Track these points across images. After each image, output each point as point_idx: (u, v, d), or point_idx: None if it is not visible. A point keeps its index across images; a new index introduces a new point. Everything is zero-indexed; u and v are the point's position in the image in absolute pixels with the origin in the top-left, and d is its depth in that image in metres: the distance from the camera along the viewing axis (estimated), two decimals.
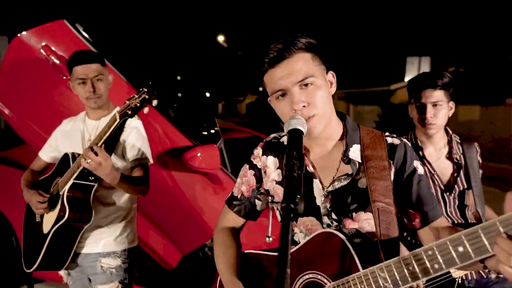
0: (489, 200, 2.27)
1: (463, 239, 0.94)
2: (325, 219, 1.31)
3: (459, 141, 2.18)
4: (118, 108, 1.85)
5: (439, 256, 0.98)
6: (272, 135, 1.48)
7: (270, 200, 1.34)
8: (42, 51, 2.57)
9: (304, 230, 1.34)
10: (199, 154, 2.71)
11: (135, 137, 2.11)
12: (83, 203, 2.02)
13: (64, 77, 2.53)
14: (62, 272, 2.23)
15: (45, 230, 2.06)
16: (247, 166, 1.48)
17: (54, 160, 2.27)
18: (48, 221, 2.05)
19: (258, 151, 1.47)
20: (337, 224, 1.30)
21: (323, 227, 1.31)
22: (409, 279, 1.04)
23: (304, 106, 1.22)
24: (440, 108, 2.07)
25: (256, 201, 1.47)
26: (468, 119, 14.87)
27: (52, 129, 2.32)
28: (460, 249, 0.95)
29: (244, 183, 1.47)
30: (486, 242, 0.91)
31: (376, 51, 22.83)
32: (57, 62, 2.58)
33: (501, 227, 0.89)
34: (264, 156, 1.44)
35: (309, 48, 1.26)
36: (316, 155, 1.35)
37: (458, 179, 2.11)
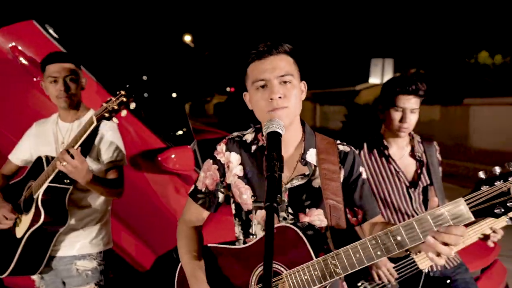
0: (449, 196, 2.42)
1: (401, 229, 1.16)
2: (282, 213, 1.44)
3: (419, 140, 2.32)
4: (92, 111, 1.85)
5: (381, 245, 1.18)
6: (235, 133, 1.59)
7: (253, 200, 1.42)
8: (10, 52, 2.52)
9: (262, 222, 1.47)
10: (173, 156, 2.73)
11: (110, 139, 2.12)
12: (58, 206, 2.01)
13: (34, 79, 2.49)
14: (35, 277, 2.20)
15: (19, 235, 2.03)
16: (211, 161, 1.58)
17: (26, 163, 2.23)
18: (22, 225, 2.03)
19: (222, 147, 1.56)
20: (292, 217, 1.44)
21: (279, 220, 1.44)
22: (357, 265, 1.22)
23: (280, 97, 1.35)
24: (414, 113, 2.17)
25: (219, 193, 1.57)
26: (429, 118, 15.44)
27: (21, 132, 2.28)
28: (399, 238, 1.16)
29: (208, 177, 1.56)
30: (419, 232, 1.13)
31: (342, 53, 23.34)
32: (26, 63, 2.53)
33: (431, 219, 1.11)
34: (228, 152, 1.54)
35: (292, 54, 1.41)
36: None
37: (422, 175, 2.25)
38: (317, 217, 1.43)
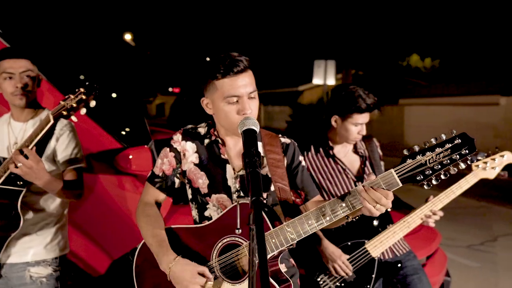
0: None
1: (346, 197, 1.40)
2: (234, 196, 1.62)
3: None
4: (47, 110, 1.78)
5: (329, 211, 1.40)
6: (189, 126, 1.73)
7: (237, 195, 1.50)
8: None
9: (217, 204, 1.63)
10: (130, 156, 2.67)
11: (68, 138, 2.03)
12: (10, 209, 1.90)
13: None
14: None
15: None
16: (168, 149, 1.70)
17: None
18: None
19: (178, 136, 1.70)
20: None
21: (232, 203, 1.60)
22: (309, 229, 1.42)
23: (249, 112, 1.51)
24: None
25: (175, 179, 1.71)
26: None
27: None
28: (343, 204, 1.40)
29: (165, 163, 1.69)
30: (359, 197, 1.37)
31: (285, 54, 23.82)
32: None
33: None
34: (184, 141, 1.68)
35: (251, 67, 1.54)
36: (230, 146, 1.67)
37: (366, 168, 2.42)
38: (264, 199, 1.59)
